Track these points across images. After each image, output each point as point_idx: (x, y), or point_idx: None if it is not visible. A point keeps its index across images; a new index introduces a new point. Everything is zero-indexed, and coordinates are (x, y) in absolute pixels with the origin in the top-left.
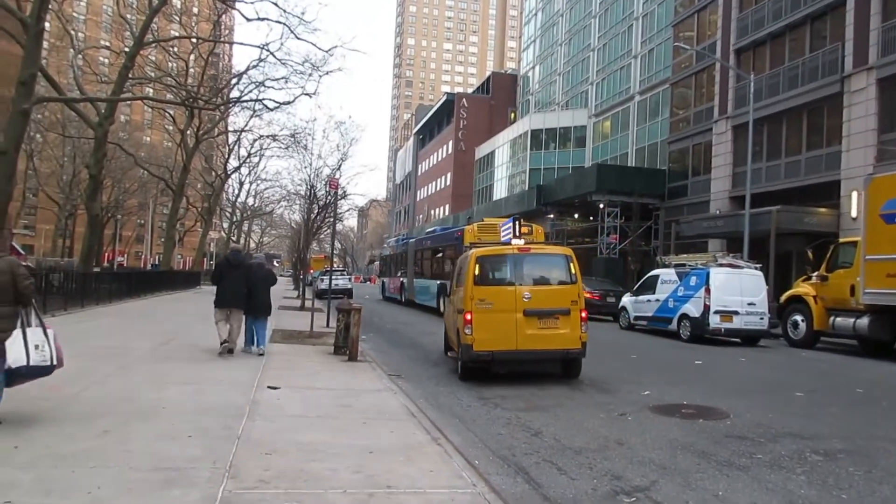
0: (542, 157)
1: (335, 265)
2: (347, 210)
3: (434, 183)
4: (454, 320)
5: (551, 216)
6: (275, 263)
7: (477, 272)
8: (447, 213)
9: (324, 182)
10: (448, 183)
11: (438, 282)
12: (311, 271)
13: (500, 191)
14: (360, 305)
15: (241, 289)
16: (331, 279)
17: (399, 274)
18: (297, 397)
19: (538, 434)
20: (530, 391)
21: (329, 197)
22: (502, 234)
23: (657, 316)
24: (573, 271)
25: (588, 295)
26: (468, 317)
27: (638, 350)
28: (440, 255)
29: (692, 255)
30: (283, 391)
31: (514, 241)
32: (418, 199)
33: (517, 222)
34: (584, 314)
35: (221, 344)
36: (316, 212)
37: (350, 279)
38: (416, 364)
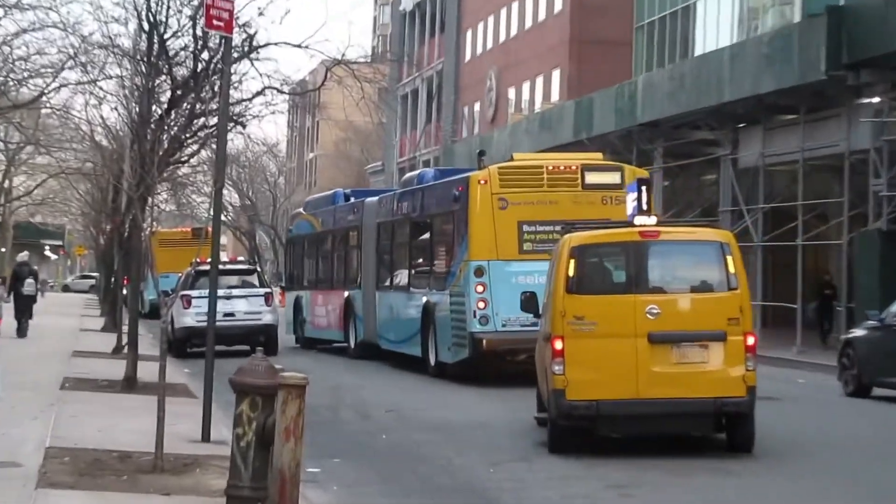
0: None
1: (227, 256)
2: (261, 98)
3: (509, 17)
4: (542, 355)
5: None
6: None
7: (572, 272)
8: (557, 95)
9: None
10: (559, 9)
11: (425, 297)
12: (156, 274)
13: (711, 27)
14: (301, 378)
15: None
16: (214, 297)
17: (337, 282)
18: None
19: None
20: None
21: (210, 54)
22: (628, 206)
23: None
24: (732, 269)
25: None
26: (557, 345)
27: None
28: (426, 234)
29: None
30: None
31: (639, 220)
32: (465, 59)
33: (644, 186)
34: (750, 340)
35: None
36: (170, 96)
37: (269, 295)
38: None
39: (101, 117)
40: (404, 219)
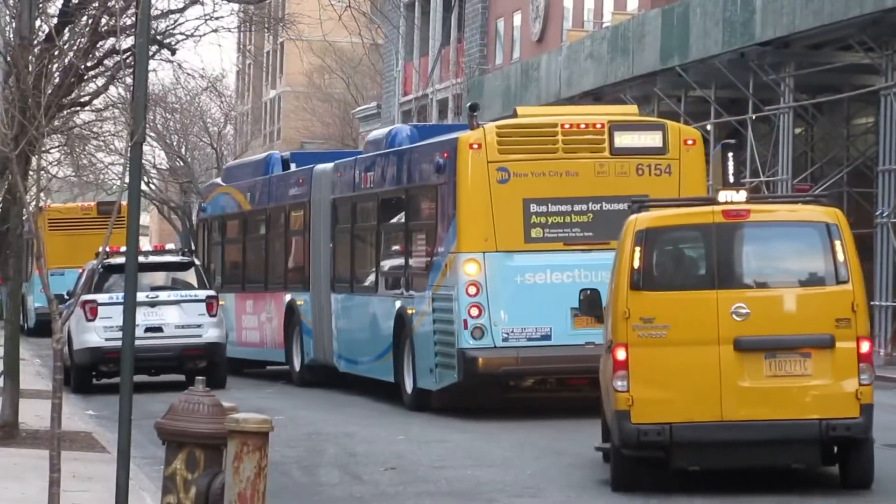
0: None
1: (150, 244)
2: (198, 8)
3: None
4: (605, 368)
5: None
6: None
7: (638, 263)
8: (636, 1)
9: None
10: None
11: (399, 302)
12: (45, 271)
13: None
14: (261, 422)
15: None
16: (132, 303)
17: (274, 281)
18: None
19: None
20: None
21: None
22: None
23: None
24: (841, 257)
25: None
26: (620, 355)
27: None
28: (400, 216)
29: None
30: None
31: (724, 195)
32: None
33: (726, 149)
34: (865, 346)
35: None
36: (63, 5)
37: (213, 300)
38: None
39: None
40: (370, 194)
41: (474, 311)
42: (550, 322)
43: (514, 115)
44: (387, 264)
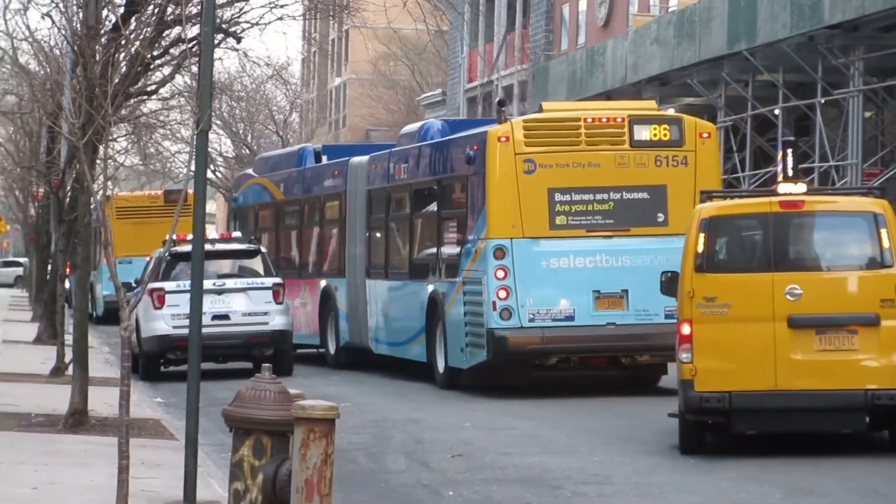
0: None
1: (217, 232)
2: None
3: None
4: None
5: None
6: None
7: (702, 247)
8: None
9: None
10: None
11: (431, 286)
12: (113, 259)
13: None
14: (328, 409)
15: None
16: (199, 291)
17: (309, 268)
18: None
19: None
20: None
21: None
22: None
23: None
24: (887, 244)
25: None
26: (685, 330)
27: None
28: (432, 205)
29: None
30: None
31: (784, 187)
32: None
33: (788, 148)
34: None
35: None
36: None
37: (279, 288)
38: None
39: (28, 28)
40: (404, 185)
41: (502, 294)
42: (574, 304)
43: (540, 110)
44: (420, 251)
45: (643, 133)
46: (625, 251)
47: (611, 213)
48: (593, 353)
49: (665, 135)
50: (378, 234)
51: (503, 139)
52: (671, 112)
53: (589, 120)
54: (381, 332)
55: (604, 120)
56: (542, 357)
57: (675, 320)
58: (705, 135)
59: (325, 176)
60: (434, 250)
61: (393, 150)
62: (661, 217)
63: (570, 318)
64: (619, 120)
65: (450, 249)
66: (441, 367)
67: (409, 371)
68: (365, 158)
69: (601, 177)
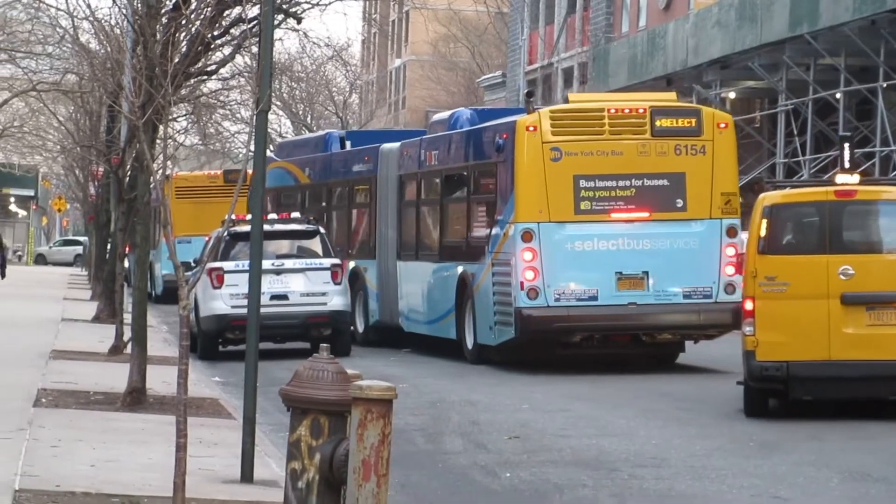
0: None
1: (276, 212)
2: None
3: None
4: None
5: None
6: None
7: (764, 232)
8: None
9: None
10: None
11: (461, 267)
12: (172, 239)
13: None
14: (385, 389)
15: None
16: (257, 271)
17: (338, 251)
18: None
19: None
20: None
21: None
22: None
23: None
24: None
25: None
26: (748, 305)
27: None
28: (462, 191)
29: None
30: None
31: (841, 178)
32: None
33: (845, 143)
34: None
35: None
36: None
37: (337, 268)
38: None
39: (89, 7)
40: (434, 171)
41: (530, 275)
42: (597, 284)
43: (566, 101)
44: (450, 234)
45: (664, 123)
46: (645, 235)
47: (632, 199)
48: (615, 332)
49: (684, 125)
50: (409, 218)
51: (531, 128)
52: (690, 104)
53: (612, 111)
54: (412, 311)
55: (626, 111)
56: (566, 335)
57: (692, 300)
58: (723, 125)
59: (354, 161)
60: (464, 233)
61: (424, 137)
62: (679, 203)
63: (594, 297)
64: (640, 111)
65: (479, 232)
66: (470, 343)
67: (439, 348)
68: (396, 145)
69: (623, 164)
